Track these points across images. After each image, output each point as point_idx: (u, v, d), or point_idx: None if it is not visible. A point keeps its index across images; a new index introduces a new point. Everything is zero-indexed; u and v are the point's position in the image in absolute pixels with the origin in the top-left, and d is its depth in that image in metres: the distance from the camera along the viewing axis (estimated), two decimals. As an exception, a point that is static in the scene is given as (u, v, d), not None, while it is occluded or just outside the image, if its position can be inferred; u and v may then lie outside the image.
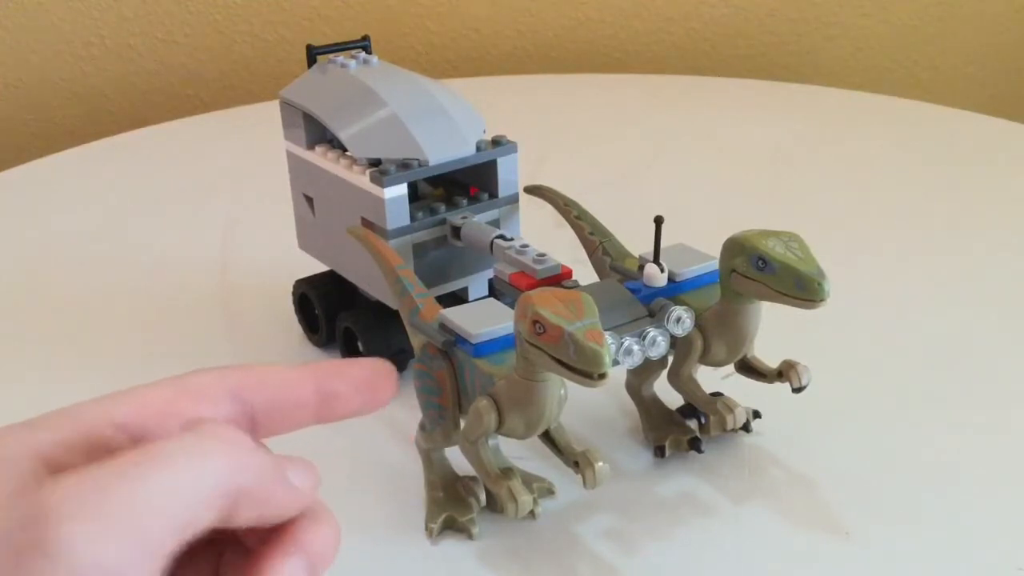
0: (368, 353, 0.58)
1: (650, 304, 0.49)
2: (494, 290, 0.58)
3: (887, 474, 0.51)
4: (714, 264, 0.49)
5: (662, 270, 0.49)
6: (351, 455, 0.54)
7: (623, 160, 0.94)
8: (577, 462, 0.44)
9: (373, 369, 0.29)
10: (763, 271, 0.45)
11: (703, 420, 0.53)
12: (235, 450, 0.24)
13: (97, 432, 0.25)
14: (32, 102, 1.19)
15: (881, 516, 0.48)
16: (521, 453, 0.51)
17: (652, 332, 0.47)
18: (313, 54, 0.61)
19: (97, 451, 0.25)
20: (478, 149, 0.56)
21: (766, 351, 0.51)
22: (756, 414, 0.54)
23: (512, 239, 0.53)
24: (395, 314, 0.53)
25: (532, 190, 0.62)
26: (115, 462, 0.23)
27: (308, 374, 0.28)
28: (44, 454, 0.24)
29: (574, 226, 0.58)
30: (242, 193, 0.89)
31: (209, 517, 0.24)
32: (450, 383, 0.46)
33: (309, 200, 0.61)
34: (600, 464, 0.43)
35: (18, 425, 0.25)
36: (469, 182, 0.58)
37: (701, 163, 0.93)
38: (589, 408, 0.55)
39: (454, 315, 0.46)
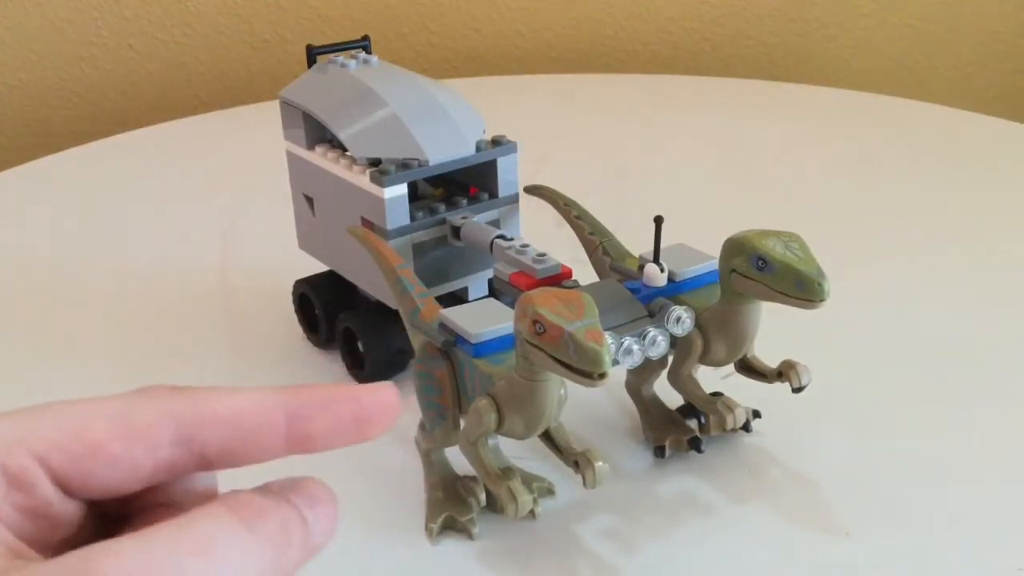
0: (368, 353, 0.58)
1: (650, 304, 0.49)
2: (494, 290, 0.58)
3: (887, 474, 0.51)
4: (714, 264, 0.49)
5: (662, 270, 0.49)
6: (351, 455, 0.54)
7: (623, 160, 0.94)
8: (577, 462, 0.44)
9: (361, 403, 0.24)
10: (763, 271, 0.45)
11: (703, 420, 0.53)
12: (273, 541, 0.23)
13: (14, 463, 0.22)
14: (32, 102, 1.19)
15: (881, 516, 0.48)
16: (521, 453, 0.51)
17: (652, 332, 0.47)
18: (313, 54, 0.61)
19: (14, 486, 0.22)
20: (478, 149, 0.56)
21: (766, 351, 0.51)
22: (756, 414, 0.54)
23: (512, 239, 0.53)
24: (395, 314, 0.53)
25: (532, 190, 0.62)
26: (165, 542, 0.21)
27: (277, 414, 0.24)
28: None
29: (574, 226, 0.58)
30: (242, 193, 0.89)
31: None
32: (450, 383, 0.46)
33: (309, 200, 0.61)
34: (600, 464, 0.43)
35: None
36: (469, 182, 0.58)
37: (701, 163, 0.93)
38: (589, 408, 0.55)
39: (454, 315, 0.46)
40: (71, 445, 0.23)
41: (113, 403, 0.24)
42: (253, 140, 0.97)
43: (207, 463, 0.24)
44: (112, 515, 0.25)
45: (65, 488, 0.23)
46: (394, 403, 0.25)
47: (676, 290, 0.50)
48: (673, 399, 0.53)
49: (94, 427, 0.23)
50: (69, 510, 0.23)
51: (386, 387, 0.25)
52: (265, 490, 0.24)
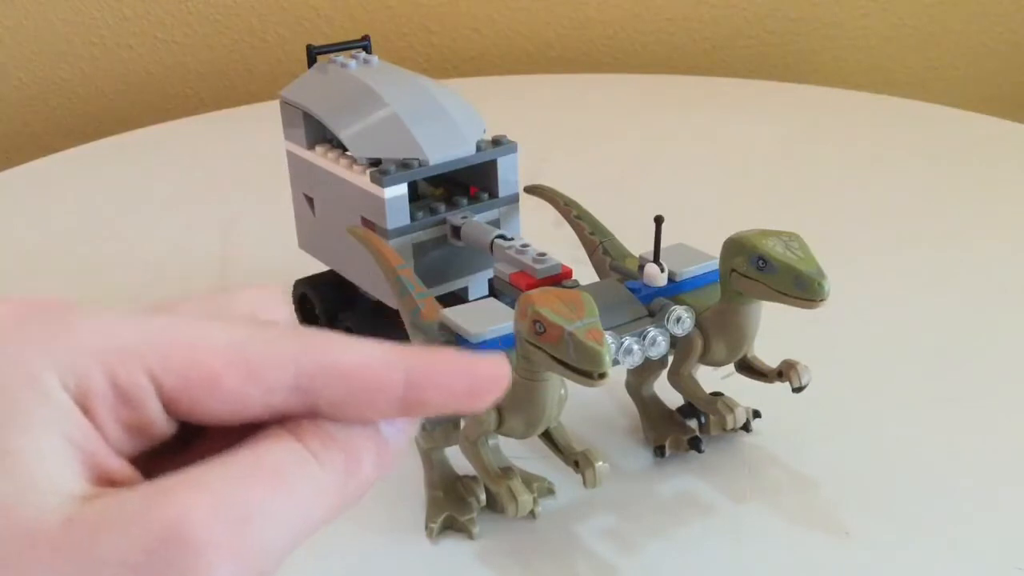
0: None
1: (650, 304, 0.49)
2: (494, 290, 0.58)
3: (887, 474, 0.51)
4: (714, 264, 0.49)
5: (662, 270, 0.49)
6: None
7: (623, 160, 0.94)
8: (577, 462, 0.44)
9: (477, 376, 0.24)
10: (763, 271, 0.45)
11: (703, 420, 0.53)
12: (343, 472, 0.22)
13: (127, 377, 0.21)
14: (32, 102, 1.19)
15: (881, 516, 0.48)
16: (521, 453, 0.51)
17: (652, 332, 0.47)
18: (313, 54, 0.61)
19: (122, 400, 0.22)
20: (478, 149, 0.56)
21: (766, 351, 0.51)
22: (756, 414, 0.54)
23: (512, 239, 0.53)
24: (395, 314, 0.53)
25: (532, 190, 0.62)
26: (242, 480, 0.21)
27: (398, 376, 0.23)
28: (65, 381, 0.21)
29: (574, 226, 0.58)
30: (242, 193, 0.89)
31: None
32: (450, 383, 0.46)
33: (309, 200, 0.61)
34: (600, 464, 0.43)
35: (33, 333, 0.21)
36: (469, 182, 0.58)
37: (701, 163, 0.93)
38: (589, 408, 0.55)
39: (454, 315, 0.46)
40: (187, 370, 0.22)
41: (237, 332, 0.22)
42: (253, 140, 0.97)
43: (315, 413, 0.23)
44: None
45: (169, 409, 0.22)
46: (505, 376, 0.24)
47: (676, 290, 0.50)
48: (673, 399, 0.53)
49: (214, 357, 0.22)
50: (168, 428, 0.23)
51: (499, 360, 0.24)
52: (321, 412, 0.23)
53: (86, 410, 0.21)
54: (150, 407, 0.22)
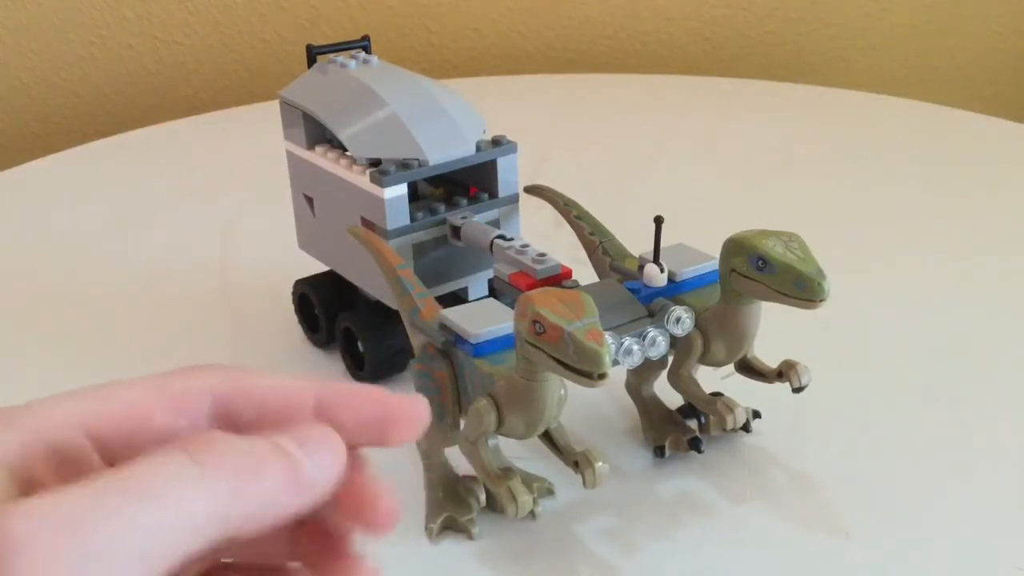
0: (368, 353, 0.58)
1: (650, 304, 0.49)
2: (494, 290, 0.58)
3: (887, 474, 0.51)
4: (714, 264, 0.49)
5: (662, 270, 0.49)
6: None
7: (623, 160, 0.94)
8: (577, 462, 0.44)
9: (390, 406, 0.25)
10: (763, 271, 0.45)
11: (703, 420, 0.53)
12: (233, 475, 0.22)
13: (64, 438, 0.23)
14: (32, 102, 1.19)
15: (881, 516, 0.48)
16: (521, 453, 0.51)
17: (652, 332, 0.47)
18: (313, 54, 0.61)
19: (64, 462, 0.23)
20: (478, 149, 0.56)
21: (766, 351, 0.51)
22: (756, 414, 0.54)
23: (512, 239, 0.53)
24: (395, 314, 0.53)
25: (532, 190, 0.62)
26: (93, 489, 0.20)
27: (309, 395, 0.25)
28: (6, 461, 0.22)
29: (574, 226, 0.58)
30: (242, 193, 0.89)
31: (198, 546, 0.21)
32: (450, 383, 0.46)
33: (309, 200, 0.61)
34: (600, 464, 0.43)
35: None
36: (469, 182, 0.58)
37: (701, 163, 0.93)
38: (589, 408, 0.55)
39: (454, 315, 0.46)
40: (120, 419, 0.24)
41: (151, 379, 0.25)
42: (253, 140, 0.96)
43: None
44: None
45: (110, 463, 0.23)
46: (421, 416, 0.25)
47: (676, 290, 0.50)
48: (673, 399, 0.53)
49: (140, 398, 0.24)
50: None
51: (416, 400, 0.25)
52: (243, 432, 0.24)
53: (32, 480, 0.22)
54: (92, 461, 0.23)
